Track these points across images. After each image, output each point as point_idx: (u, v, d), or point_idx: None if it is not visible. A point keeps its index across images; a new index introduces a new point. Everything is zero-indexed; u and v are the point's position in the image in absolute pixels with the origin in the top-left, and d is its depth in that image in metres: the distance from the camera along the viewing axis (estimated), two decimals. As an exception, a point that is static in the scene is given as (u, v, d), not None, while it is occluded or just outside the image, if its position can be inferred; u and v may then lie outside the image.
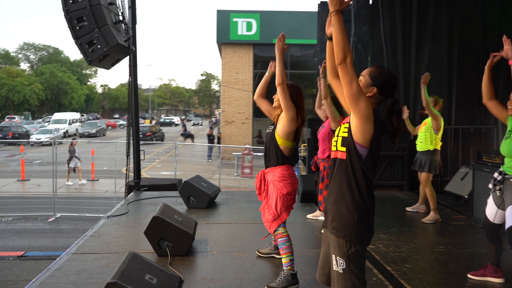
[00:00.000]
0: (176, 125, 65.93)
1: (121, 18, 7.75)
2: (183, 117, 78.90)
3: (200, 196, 7.09)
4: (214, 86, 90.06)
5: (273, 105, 4.45)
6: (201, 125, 71.27)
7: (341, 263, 2.59)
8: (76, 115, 50.58)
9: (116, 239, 5.48)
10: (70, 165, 17.04)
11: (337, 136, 2.66)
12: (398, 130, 2.72)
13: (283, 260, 4.04)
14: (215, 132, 30.01)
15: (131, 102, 8.13)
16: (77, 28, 7.21)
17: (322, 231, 2.87)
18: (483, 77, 4.20)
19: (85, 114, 63.86)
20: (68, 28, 7.21)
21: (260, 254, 4.86)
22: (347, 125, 2.62)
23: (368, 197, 2.59)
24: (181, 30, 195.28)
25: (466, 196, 7.15)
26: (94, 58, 7.25)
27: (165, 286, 3.35)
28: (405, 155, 8.45)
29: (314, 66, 24.08)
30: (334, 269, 2.63)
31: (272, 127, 4.26)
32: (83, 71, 76.65)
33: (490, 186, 4.02)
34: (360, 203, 2.57)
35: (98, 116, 68.72)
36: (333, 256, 2.63)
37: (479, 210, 5.94)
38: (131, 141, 8.09)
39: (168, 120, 68.32)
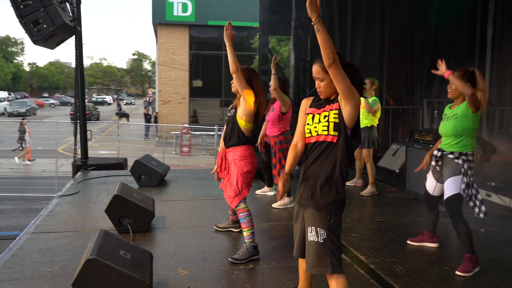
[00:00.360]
0: (109, 104, 63.86)
1: (66, -4, 7.40)
2: (116, 96, 76.40)
3: (151, 175, 7.01)
4: (146, 65, 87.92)
5: (232, 90, 4.48)
6: (133, 104, 69.46)
7: (322, 233, 2.71)
8: (3, 94, 47.74)
9: (73, 217, 5.34)
10: (23, 144, 16.18)
11: (326, 121, 2.75)
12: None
13: (245, 233, 4.13)
14: (151, 111, 29.46)
15: (77, 82, 7.85)
16: (21, 6, 6.83)
17: (295, 207, 2.96)
18: None
19: (12, 93, 60.17)
20: (12, 7, 6.82)
21: (218, 229, 4.93)
22: (336, 111, 2.72)
23: (346, 175, 2.75)
24: (112, 9, 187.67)
25: (397, 171, 7.55)
26: (40, 38, 6.90)
27: (139, 261, 3.34)
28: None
29: (249, 48, 24.25)
30: (313, 240, 2.73)
31: (234, 110, 4.29)
32: (9, 49, 71.91)
33: (433, 163, 4.27)
34: (341, 180, 2.71)
35: (26, 95, 64.95)
36: (313, 228, 2.74)
37: (411, 183, 6.30)
38: (78, 121, 7.84)
39: (100, 99, 65.94)
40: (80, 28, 7.81)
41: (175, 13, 23.70)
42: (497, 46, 8.79)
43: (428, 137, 6.07)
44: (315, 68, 2.83)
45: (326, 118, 2.76)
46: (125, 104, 58.81)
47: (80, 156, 8.13)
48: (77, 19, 7.59)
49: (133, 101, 72.60)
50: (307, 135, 2.86)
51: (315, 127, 2.79)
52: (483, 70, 8.86)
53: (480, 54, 9.09)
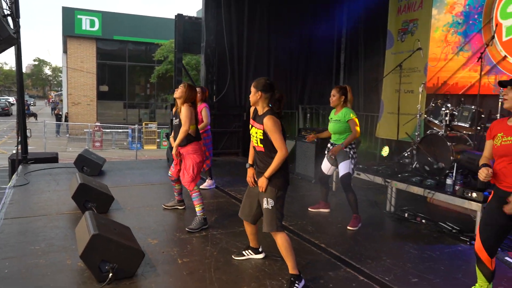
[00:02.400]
0: (13, 104, 56.96)
1: (9, 12, 6.76)
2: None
3: (93, 166, 6.77)
4: (47, 71, 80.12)
5: (174, 95, 4.57)
6: (34, 105, 62.89)
7: (271, 202, 3.09)
8: None
9: (36, 204, 5.01)
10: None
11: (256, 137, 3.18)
12: (280, 110, 3.22)
13: (197, 208, 4.33)
14: (62, 112, 27.16)
15: (18, 87, 7.22)
16: (-33, 19, 6.12)
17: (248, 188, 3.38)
18: None
19: None
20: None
21: (166, 207, 5.03)
22: (261, 131, 3.11)
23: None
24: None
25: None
26: (-14, 47, 6.25)
27: (125, 234, 3.39)
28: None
29: (147, 59, 23.62)
30: (264, 207, 3.12)
31: (178, 120, 4.42)
32: None
33: (326, 152, 4.86)
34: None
35: None
36: (265, 198, 3.11)
37: (299, 167, 6.94)
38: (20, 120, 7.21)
39: (3, 100, 58.42)
40: (20, 39, 7.19)
41: (83, 28, 22.21)
42: (348, 69, 9.94)
43: (312, 134, 6.71)
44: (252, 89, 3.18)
45: (256, 134, 3.16)
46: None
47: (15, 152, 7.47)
48: (18, 31, 6.98)
49: (33, 101, 65.63)
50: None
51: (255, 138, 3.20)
52: (338, 84, 9.96)
53: (336, 74, 10.19)
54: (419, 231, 4.48)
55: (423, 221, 4.70)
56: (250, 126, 3.25)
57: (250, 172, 3.32)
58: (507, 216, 2.58)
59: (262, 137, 3.10)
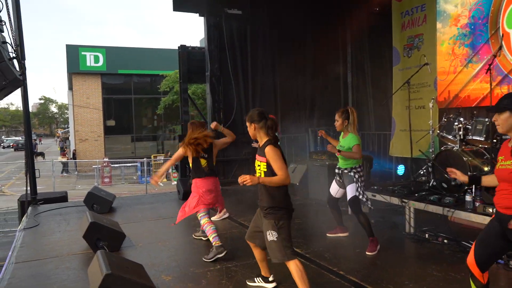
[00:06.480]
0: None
1: (14, 55, 7.03)
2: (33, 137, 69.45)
3: (103, 203, 6.85)
4: (53, 108, 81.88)
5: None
6: (40, 143, 64.18)
7: (274, 234, 3.16)
8: None
9: (47, 246, 5.07)
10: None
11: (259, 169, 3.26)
12: (275, 137, 3.35)
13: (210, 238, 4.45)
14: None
15: (26, 128, 7.42)
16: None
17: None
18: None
19: None
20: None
21: (195, 237, 5.20)
22: (265, 164, 3.21)
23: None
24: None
25: (297, 184, 8.16)
26: (-7, 91, 6.49)
27: (138, 272, 3.41)
28: (250, 157, 9.22)
29: (153, 91, 24.07)
30: (269, 240, 3.18)
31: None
32: None
33: (337, 178, 4.89)
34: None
35: None
36: (267, 232, 3.19)
37: (313, 192, 6.93)
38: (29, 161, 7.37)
39: (6, 140, 59.78)
40: (26, 81, 7.44)
41: (88, 64, 22.84)
42: (355, 88, 10.03)
43: (323, 157, 6.76)
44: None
45: (259, 168, 3.25)
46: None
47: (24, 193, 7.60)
48: (24, 73, 7.23)
49: (36, 138, 67.00)
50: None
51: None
52: (347, 104, 10.04)
53: (345, 94, 10.28)
54: (442, 252, 4.42)
55: (445, 241, 4.64)
56: (256, 160, 3.35)
57: None
58: (504, 237, 2.62)
59: (266, 170, 3.18)
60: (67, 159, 24.16)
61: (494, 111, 2.67)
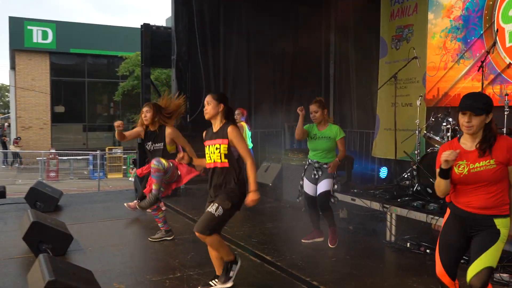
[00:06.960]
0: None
1: None
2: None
3: (47, 200, 6.72)
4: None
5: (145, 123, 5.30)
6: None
7: (220, 210, 3.36)
8: None
9: (-20, 248, 4.94)
10: None
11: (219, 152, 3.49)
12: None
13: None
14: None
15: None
16: None
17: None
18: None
19: None
20: None
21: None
22: (225, 146, 3.46)
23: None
24: None
25: (270, 184, 8.22)
26: None
27: (86, 279, 3.38)
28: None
29: (110, 75, 23.68)
30: (209, 210, 3.39)
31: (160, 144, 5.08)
32: None
33: (314, 171, 5.00)
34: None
35: None
36: (216, 205, 3.37)
37: (287, 194, 6.99)
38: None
39: None
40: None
41: (34, 40, 22.16)
42: (338, 81, 10.18)
43: (301, 155, 6.83)
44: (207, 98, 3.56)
45: (217, 150, 3.44)
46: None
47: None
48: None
49: None
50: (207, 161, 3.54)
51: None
52: (328, 98, 10.19)
53: (326, 87, 10.41)
54: (424, 262, 4.57)
55: (427, 250, 4.79)
56: (207, 147, 3.52)
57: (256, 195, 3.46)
58: (464, 236, 2.83)
59: (226, 152, 3.40)
60: (21, 149, 23.39)
61: (468, 112, 2.78)
